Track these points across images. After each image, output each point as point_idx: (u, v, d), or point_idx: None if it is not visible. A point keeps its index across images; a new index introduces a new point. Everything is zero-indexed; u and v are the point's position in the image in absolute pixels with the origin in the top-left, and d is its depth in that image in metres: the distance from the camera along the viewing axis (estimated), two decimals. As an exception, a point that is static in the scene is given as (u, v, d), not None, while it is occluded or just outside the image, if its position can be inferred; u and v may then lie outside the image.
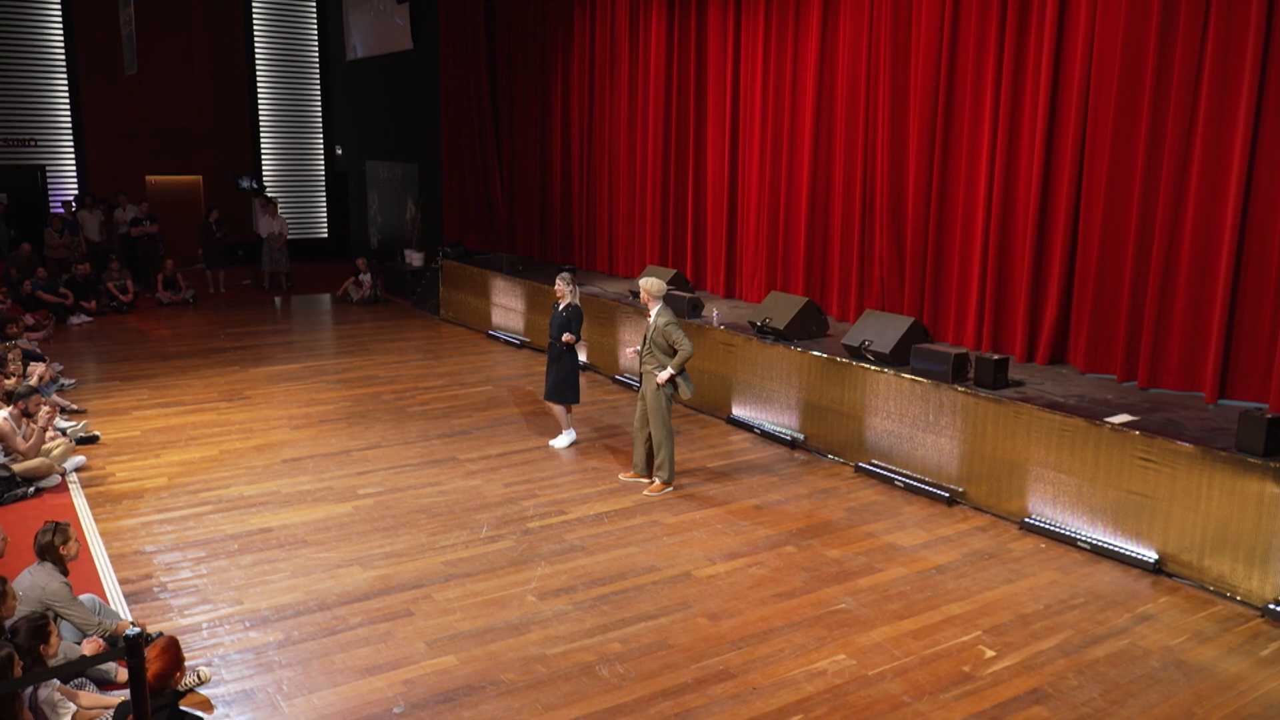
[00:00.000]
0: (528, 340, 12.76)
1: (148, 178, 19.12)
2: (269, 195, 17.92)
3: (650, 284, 7.53)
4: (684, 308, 9.97)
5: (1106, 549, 6.49)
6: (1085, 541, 6.61)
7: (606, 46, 12.95)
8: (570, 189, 14.09)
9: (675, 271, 10.86)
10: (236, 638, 5.34)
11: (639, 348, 7.71)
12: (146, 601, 5.74)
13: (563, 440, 8.67)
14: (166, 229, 17.80)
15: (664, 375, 7.39)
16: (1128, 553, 6.39)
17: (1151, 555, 6.30)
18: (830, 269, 10.07)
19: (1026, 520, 6.96)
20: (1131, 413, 6.75)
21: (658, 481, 7.62)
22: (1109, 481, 6.49)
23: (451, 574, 6.15)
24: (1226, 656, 5.31)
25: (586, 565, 6.31)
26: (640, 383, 7.68)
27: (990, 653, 5.28)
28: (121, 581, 5.98)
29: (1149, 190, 7.28)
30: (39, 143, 17.97)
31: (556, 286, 8.53)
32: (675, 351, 7.37)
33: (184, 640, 5.24)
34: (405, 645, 5.28)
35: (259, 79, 20.20)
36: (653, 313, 7.54)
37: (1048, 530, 6.81)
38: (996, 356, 7.29)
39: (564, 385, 8.48)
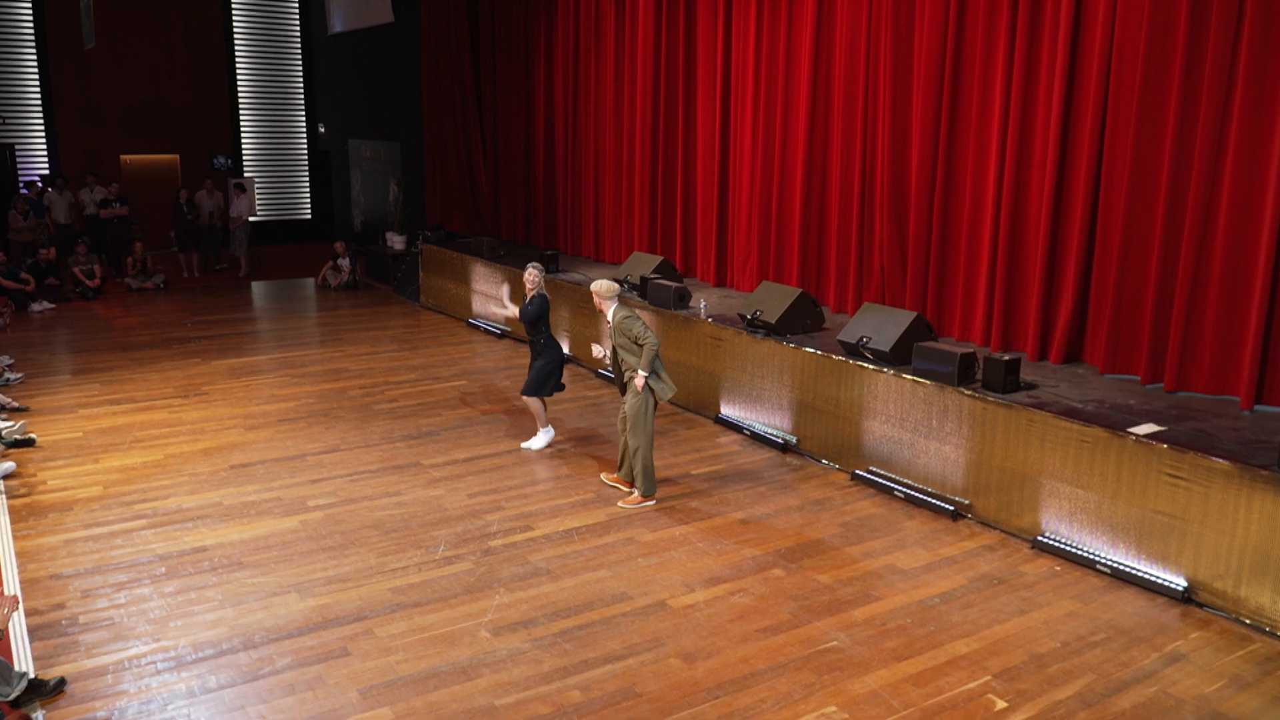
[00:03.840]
0: (508, 330, 12.09)
1: (122, 157, 18.41)
2: (236, 178, 17.20)
3: (601, 286, 6.94)
4: (670, 298, 9.29)
5: (1129, 574, 5.84)
6: (1105, 564, 5.95)
7: (592, 21, 12.20)
8: (554, 170, 13.38)
9: (662, 259, 10.18)
10: (143, 684, 4.70)
11: (604, 351, 7.16)
12: (52, 638, 5.11)
13: (538, 441, 8.05)
14: (142, 211, 17.13)
15: (640, 380, 6.73)
16: (1153, 579, 5.74)
17: (1180, 582, 5.65)
18: (827, 257, 9.37)
19: (1040, 539, 6.30)
20: (1158, 420, 6.09)
21: (636, 493, 6.98)
22: (1132, 499, 5.83)
23: (399, 603, 5.51)
24: (1270, 708, 4.66)
25: (550, 593, 5.67)
26: (618, 380, 7.03)
27: (1001, 703, 4.64)
28: (29, 613, 5.35)
29: (1179, 172, 6.58)
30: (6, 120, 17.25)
31: (526, 276, 7.88)
32: (641, 346, 6.72)
33: (84, 687, 4.62)
34: (335, 694, 4.65)
35: (238, 54, 19.44)
36: (608, 313, 6.94)
37: (1063, 550, 6.16)
38: (1007, 356, 6.61)
39: (542, 379, 7.85)
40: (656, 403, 6.88)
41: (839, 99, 8.93)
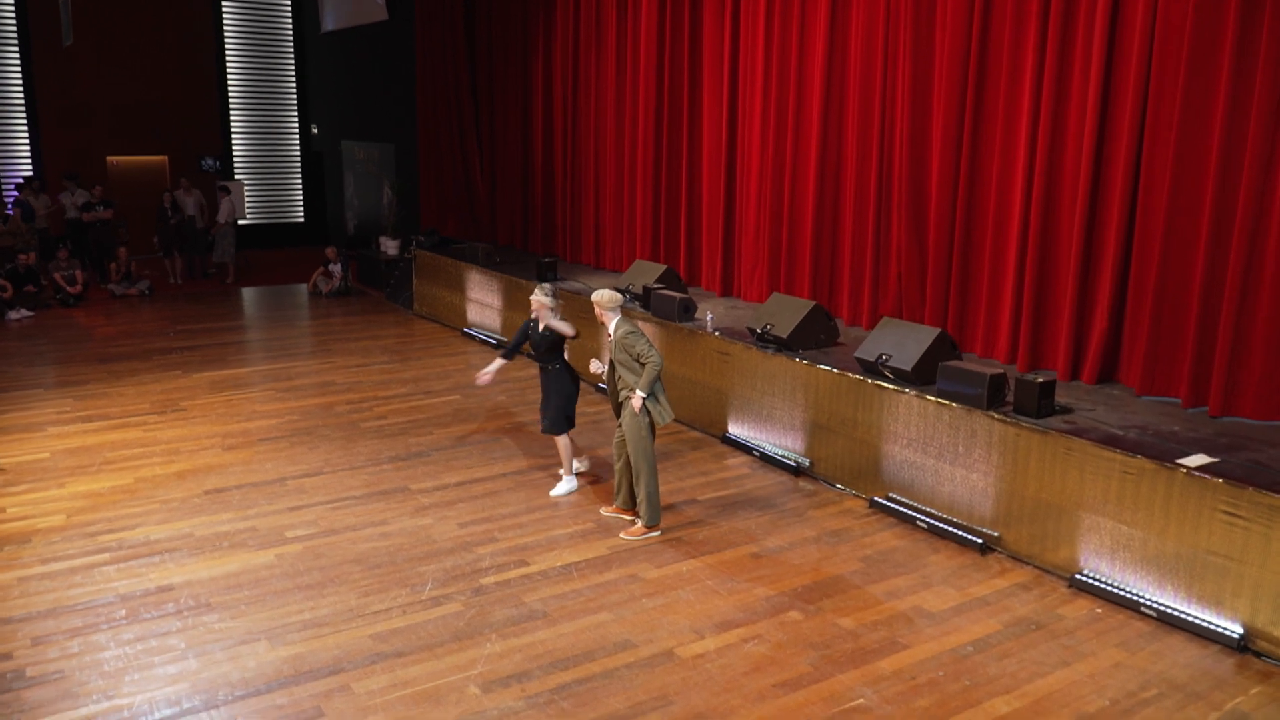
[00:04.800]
0: (505, 340, 11.59)
1: (109, 158, 17.91)
2: (221, 181, 16.71)
3: (603, 296, 6.45)
4: (675, 310, 8.80)
5: (1178, 618, 5.35)
6: (1151, 607, 5.46)
7: (592, 19, 11.71)
8: (553, 173, 12.89)
9: (666, 268, 9.68)
10: (91, 754, 4.21)
11: (603, 367, 6.62)
12: (-6, 695, 4.61)
13: (564, 487, 7.17)
14: (130, 214, 16.62)
15: (637, 401, 6.24)
16: (1205, 624, 5.25)
17: (1235, 629, 5.15)
18: (840, 266, 8.88)
19: (1077, 576, 5.81)
20: (1208, 450, 5.59)
21: (639, 524, 6.48)
22: (1182, 537, 5.33)
23: (380, 653, 5.01)
24: (1351, 781, 4.17)
25: (547, 640, 5.17)
26: (613, 399, 6.54)
27: (1050, 776, 4.15)
28: (-29, 664, 4.86)
29: (1227, 174, 6.09)
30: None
31: (534, 302, 7.05)
32: (644, 365, 6.22)
33: (22, 758, 4.12)
34: (305, 764, 4.16)
35: (228, 52, 18.94)
36: (610, 325, 6.42)
37: (1104, 591, 5.66)
38: (1041, 378, 6.12)
39: (564, 414, 7.06)
40: (654, 425, 6.38)
41: (854, 96, 8.43)
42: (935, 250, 7.88)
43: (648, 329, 9.06)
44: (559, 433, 7.11)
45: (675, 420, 8.79)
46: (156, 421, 8.67)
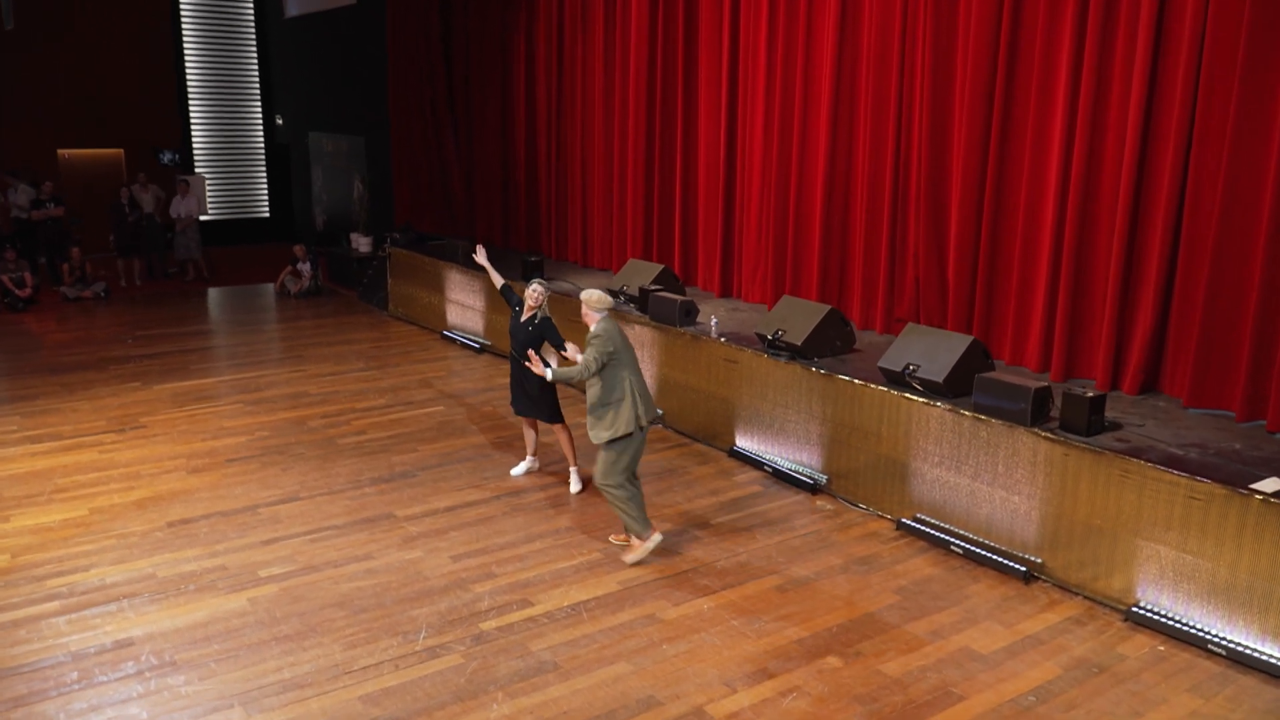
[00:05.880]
0: (488, 343, 10.96)
1: (59, 151, 16.98)
2: (183, 175, 15.87)
3: (591, 296, 6.00)
4: (675, 314, 8.21)
5: (1252, 657, 4.87)
6: (1219, 645, 4.98)
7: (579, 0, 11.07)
8: (536, 165, 12.23)
9: (663, 268, 9.09)
10: None
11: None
12: (-78, 785, 3.96)
13: (577, 482, 7.06)
14: (83, 211, 15.74)
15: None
16: (1283, 664, 4.78)
17: (1319, 670, 4.69)
18: (851, 265, 8.33)
19: (1134, 609, 5.31)
20: (1274, 467, 5.12)
21: (632, 539, 6.00)
22: (1258, 570, 4.85)
23: (373, 718, 4.41)
24: None
25: (561, 698, 4.59)
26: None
27: None
28: (-104, 745, 4.20)
29: (1288, 173, 5.60)
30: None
31: (530, 293, 6.80)
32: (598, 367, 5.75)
33: None
34: None
35: (186, 38, 18.03)
36: (593, 329, 5.94)
37: (1165, 625, 5.17)
38: (1091, 393, 5.61)
39: (556, 399, 6.96)
40: (630, 449, 5.82)
41: (868, 82, 7.84)
42: (958, 249, 7.35)
43: (645, 334, 8.47)
44: (561, 420, 6.92)
45: (678, 431, 8.25)
46: (114, 441, 7.96)
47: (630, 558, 5.91)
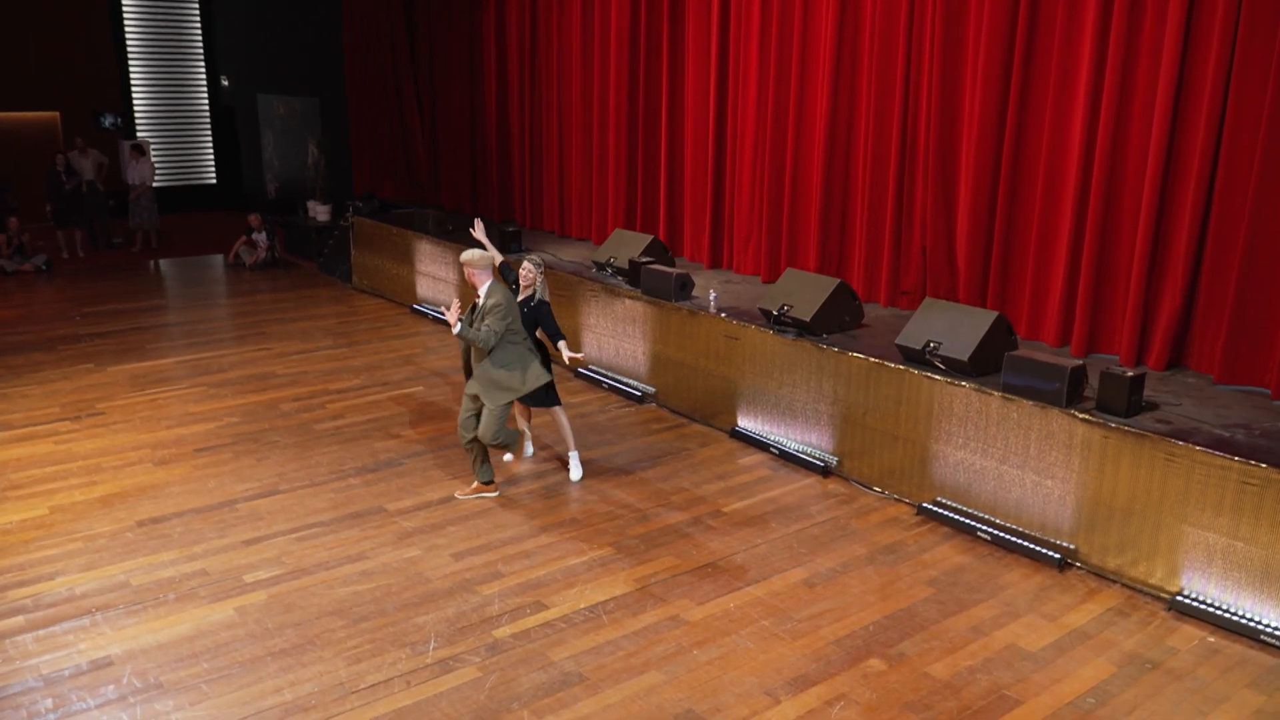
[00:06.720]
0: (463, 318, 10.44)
1: (-11, 115, 15.96)
2: (134, 140, 14.99)
3: (471, 256, 5.94)
4: (670, 288, 7.81)
5: (1308, 648, 4.68)
6: (1273, 636, 4.78)
7: (551, -48, 10.47)
8: (508, 128, 11.66)
9: (652, 238, 8.67)
10: None
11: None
12: (-120, 844, 3.48)
13: (577, 467, 6.66)
14: (16, 180, 14.81)
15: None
16: (1343, 656, 4.59)
17: (1380, 662, 4.50)
18: (852, 235, 7.99)
19: (1179, 598, 5.09)
20: (1327, 452, 4.90)
21: (476, 483, 6.27)
22: (1316, 557, 4.64)
23: (388, 746, 4.02)
24: None
25: (592, 715, 4.22)
26: (465, 369, 6.25)
27: None
28: None
29: (1333, 141, 5.35)
30: None
31: (522, 271, 6.39)
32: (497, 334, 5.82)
33: None
34: None
35: (124, -5, 17.02)
36: (481, 290, 5.88)
37: (1212, 615, 4.96)
38: (1131, 372, 5.34)
39: (552, 383, 6.51)
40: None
41: (873, 37, 7.44)
42: (968, 215, 7.03)
43: (636, 308, 8.07)
44: (558, 402, 6.61)
45: (675, 411, 7.89)
46: (70, 430, 7.37)
47: (464, 494, 6.24)
